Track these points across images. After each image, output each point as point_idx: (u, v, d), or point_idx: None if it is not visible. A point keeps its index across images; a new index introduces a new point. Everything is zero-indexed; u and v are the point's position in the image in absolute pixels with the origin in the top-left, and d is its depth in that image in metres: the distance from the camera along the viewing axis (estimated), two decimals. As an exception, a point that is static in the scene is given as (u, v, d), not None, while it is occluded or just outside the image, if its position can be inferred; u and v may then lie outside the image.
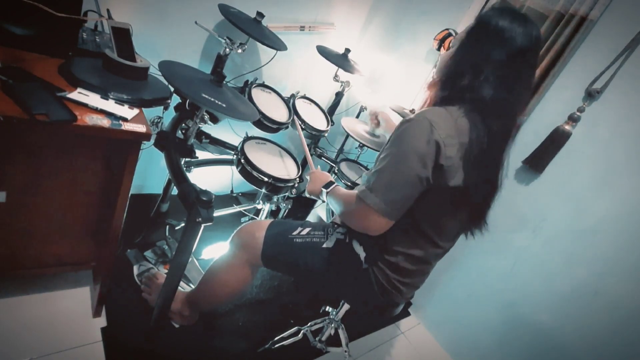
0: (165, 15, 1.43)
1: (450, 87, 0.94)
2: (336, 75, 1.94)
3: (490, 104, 0.89)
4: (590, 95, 1.47)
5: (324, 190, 1.15)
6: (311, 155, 2.04)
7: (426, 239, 1.02)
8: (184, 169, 1.16)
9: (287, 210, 1.71)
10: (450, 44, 1.02)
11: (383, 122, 1.57)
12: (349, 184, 1.72)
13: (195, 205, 0.97)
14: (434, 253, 1.07)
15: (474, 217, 1.03)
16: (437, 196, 0.93)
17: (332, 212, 1.53)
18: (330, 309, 1.52)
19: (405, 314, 2.06)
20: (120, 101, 0.98)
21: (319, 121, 1.81)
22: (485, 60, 0.89)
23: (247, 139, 1.54)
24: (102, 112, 0.92)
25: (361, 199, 0.93)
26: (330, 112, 1.98)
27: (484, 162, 0.92)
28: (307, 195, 1.27)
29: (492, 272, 1.77)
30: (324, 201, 1.17)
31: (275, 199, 1.64)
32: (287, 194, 1.55)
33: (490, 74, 0.88)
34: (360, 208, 0.94)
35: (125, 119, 0.94)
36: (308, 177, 1.27)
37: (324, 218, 2.02)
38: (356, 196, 0.95)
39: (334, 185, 1.15)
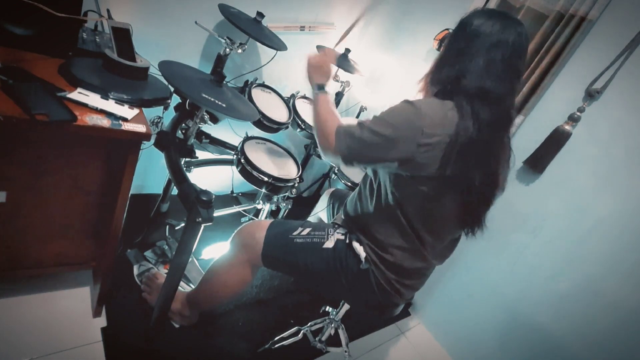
0: (165, 15, 1.43)
1: (437, 79, 0.99)
2: (336, 75, 1.94)
3: (473, 91, 0.91)
4: (590, 95, 1.47)
5: (316, 89, 1.17)
6: (311, 155, 2.04)
7: (422, 233, 1.02)
8: (184, 169, 1.16)
9: (287, 210, 1.71)
10: (438, 43, 1.05)
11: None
12: (349, 184, 1.72)
13: (195, 205, 0.97)
14: (433, 252, 1.07)
15: (470, 214, 1.01)
16: (421, 186, 0.94)
17: (333, 214, 1.53)
18: (330, 309, 1.52)
19: (405, 314, 2.06)
20: (120, 101, 0.98)
21: (319, 121, 1.81)
22: (467, 53, 0.93)
23: (247, 139, 1.54)
24: (102, 112, 0.92)
25: (335, 132, 1.00)
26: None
27: (475, 153, 0.91)
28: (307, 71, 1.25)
29: (492, 272, 1.77)
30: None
31: (275, 199, 1.64)
32: (287, 194, 1.55)
33: (473, 64, 0.92)
34: (330, 137, 1.01)
35: (125, 119, 0.94)
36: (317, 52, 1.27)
37: (324, 219, 2.02)
38: (335, 130, 1.01)
39: (325, 92, 1.16)
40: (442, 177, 0.91)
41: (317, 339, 1.51)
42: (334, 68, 1.22)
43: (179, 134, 1.32)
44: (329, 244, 1.13)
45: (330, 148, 1.01)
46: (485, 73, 0.92)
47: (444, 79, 0.96)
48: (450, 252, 1.15)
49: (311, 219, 1.65)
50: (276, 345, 1.45)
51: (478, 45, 0.92)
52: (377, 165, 1.02)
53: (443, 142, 0.89)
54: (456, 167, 0.90)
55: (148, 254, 1.58)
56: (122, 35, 1.08)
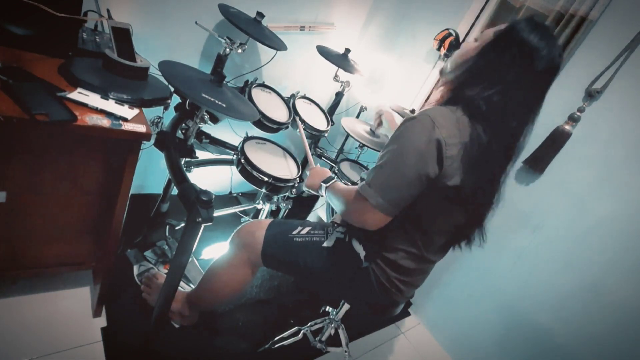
0: (165, 15, 1.43)
1: (460, 90, 0.93)
2: (336, 75, 1.94)
3: (486, 113, 0.88)
4: (590, 95, 1.47)
5: (323, 185, 1.14)
6: (312, 154, 2.04)
7: (425, 237, 1.02)
8: (184, 169, 1.16)
9: (287, 210, 1.71)
10: (476, 38, 1.00)
11: (386, 123, 1.57)
12: (349, 184, 1.72)
13: (195, 205, 0.97)
14: (433, 251, 1.07)
15: (468, 227, 1.03)
16: (437, 195, 0.93)
17: (332, 212, 1.53)
18: (330, 309, 1.52)
19: (405, 314, 2.06)
20: (120, 101, 0.98)
21: (319, 121, 1.81)
22: (501, 74, 0.88)
23: (247, 139, 1.54)
24: (102, 112, 0.92)
25: (360, 194, 0.94)
26: (330, 112, 1.98)
27: (481, 167, 0.91)
28: (305, 190, 1.25)
29: (492, 272, 1.77)
30: (322, 196, 1.16)
31: (275, 199, 1.64)
32: (287, 194, 1.54)
33: (499, 92, 0.87)
34: (358, 203, 0.95)
35: (125, 119, 0.94)
36: (307, 173, 1.26)
37: (324, 218, 2.02)
38: (356, 191, 0.96)
39: (333, 180, 1.14)
40: (460, 186, 0.90)
41: (317, 339, 1.51)
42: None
43: (179, 134, 1.32)
44: (329, 243, 1.13)
45: (367, 213, 0.93)
46: (510, 107, 0.87)
47: (472, 95, 0.89)
48: (448, 248, 1.15)
49: (310, 217, 1.65)
50: (276, 345, 1.46)
51: (519, 71, 0.86)
52: (415, 191, 0.91)
53: (461, 151, 0.88)
54: (470, 178, 0.90)
55: (148, 254, 1.58)
56: (122, 35, 1.08)
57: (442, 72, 1.05)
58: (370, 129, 1.84)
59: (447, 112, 0.90)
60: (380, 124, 1.60)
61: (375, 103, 2.17)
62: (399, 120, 1.55)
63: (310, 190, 1.23)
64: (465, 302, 1.87)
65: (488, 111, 0.88)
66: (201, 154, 1.47)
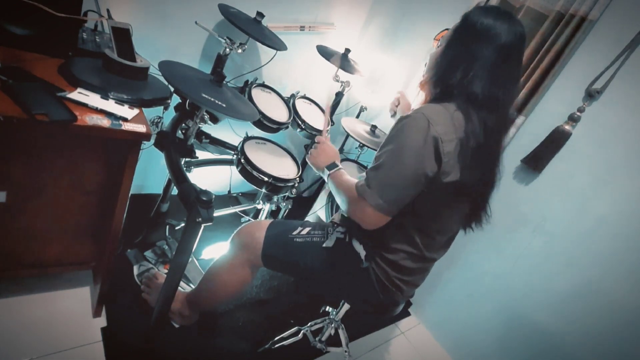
0: (165, 15, 1.43)
1: (442, 84, 0.96)
2: (336, 75, 1.94)
3: (481, 99, 0.90)
4: (590, 95, 1.47)
5: (327, 170, 1.12)
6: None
7: (427, 237, 1.02)
8: (184, 169, 1.16)
9: (287, 210, 1.71)
10: (438, 43, 1.03)
11: (399, 111, 1.53)
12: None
13: (195, 205, 0.97)
14: (434, 250, 1.07)
15: (474, 211, 1.03)
16: (436, 193, 0.93)
17: (332, 212, 1.53)
18: (330, 309, 1.52)
19: (405, 314, 2.06)
20: (120, 101, 0.98)
21: (319, 121, 1.81)
22: (473, 57, 0.91)
23: (247, 138, 1.54)
24: (102, 112, 0.92)
25: (359, 194, 0.94)
26: (330, 112, 1.98)
27: (481, 156, 0.92)
28: (307, 161, 1.23)
29: (492, 272, 1.77)
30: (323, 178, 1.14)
31: (275, 199, 1.64)
32: (287, 193, 1.55)
33: (479, 70, 0.90)
34: (358, 202, 0.95)
35: (125, 119, 0.94)
36: (316, 141, 1.22)
37: (323, 218, 2.02)
38: (355, 189, 0.96)
39: (337, 168, 1.12)
40: (459, 181, 0.90)
41: (317, 339, 1.51)
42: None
43: (179, 134, 1.32)
44: (329, 243, 1.13)
45: (366, 213, 0.93)
46: (495, 80, 0.90)
47: (455, 84, 0.92)
48: (450, 244, 1.15)
49: (309, 217, 1.65)
50: (276, 345, 1.45)
51: (487, 48, 0.89)
52: (414, 190, 0.92)
53: (457, 147, 0.89)
54: (470, 170, 0.91)
55: (148, 254, 1.58)
56: (122, 35, 1.08)
57: (421, 85, 1.07)
58: (371, 129, 1.83)
59: (440, 109, 0.91)
60: (396, 106, 1.54)
61: (376, 102, 2.17)
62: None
63: (312, 166, 1.20)
64: (465, 302, 1.87)
65: (475, 92, 0.90)
66: (201, 154, 1.47)
